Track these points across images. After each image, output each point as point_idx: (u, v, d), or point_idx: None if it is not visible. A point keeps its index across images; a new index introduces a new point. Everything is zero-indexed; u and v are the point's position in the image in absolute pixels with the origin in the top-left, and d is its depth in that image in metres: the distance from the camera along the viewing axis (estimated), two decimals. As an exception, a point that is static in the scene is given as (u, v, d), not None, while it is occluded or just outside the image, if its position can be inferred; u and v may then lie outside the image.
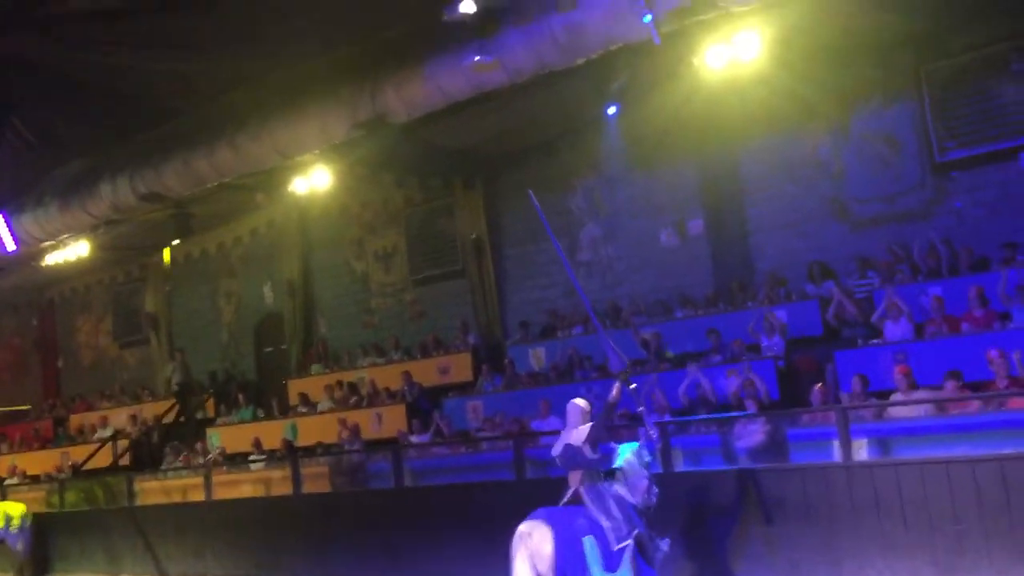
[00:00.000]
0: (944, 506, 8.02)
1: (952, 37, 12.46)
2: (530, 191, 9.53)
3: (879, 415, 9.67)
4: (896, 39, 12.39)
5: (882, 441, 9.19)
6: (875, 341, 11.27)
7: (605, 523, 7.09)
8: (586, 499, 7.24)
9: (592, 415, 7.74)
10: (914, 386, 9.78)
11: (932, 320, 10.99)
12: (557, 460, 7.62)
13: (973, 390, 9.54)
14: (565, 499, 7.38)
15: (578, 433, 7.47)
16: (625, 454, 7.60)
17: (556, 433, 11.78)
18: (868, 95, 13.36)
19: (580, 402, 7.75)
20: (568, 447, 7.50)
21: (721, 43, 11.05)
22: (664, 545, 7.30)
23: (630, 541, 7.16)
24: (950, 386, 9.39)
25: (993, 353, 9.36)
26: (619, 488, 7.45)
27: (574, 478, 7.43)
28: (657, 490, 7.65)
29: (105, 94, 14.32)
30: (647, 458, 7.66)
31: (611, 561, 7.02)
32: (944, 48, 12.68)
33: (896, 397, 9.83)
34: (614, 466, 7.54)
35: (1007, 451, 8.01)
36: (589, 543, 6.92)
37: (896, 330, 11.12)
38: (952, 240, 12.32)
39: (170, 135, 16.00)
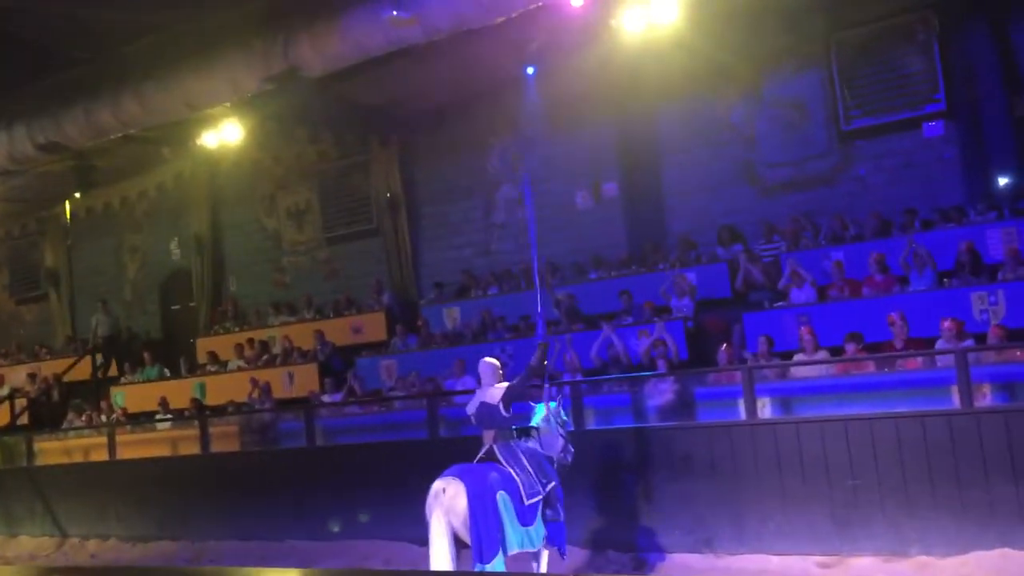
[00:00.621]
0: (842, 462, 8.37)
1: (862, 6, 12.75)
2: (526, 174, 9.50)
3: (782, 375, 9.98)
4: (808, 5, 12.62)
5: (785, 400, 9.50)
6: (780, 304, 11.60)
7: (518, 478, 7.20)
8: (500, 456, 7.33)
9: (505, 374, 7.82)
10: (817, 347, 10.12)
11: (834, 284, 11.36)
12: (472, 418, 7.68)
13: (873, 351, 9.91)
14: (479, 456, 7.46)
15: (493, 392, 7.54)
16: (541, 413, 7.71)
17: (470, 392, 11.90)
18: (780, 61, 13.62)
19: (493, 360, 7.82)
20: (483, 405, 7.57)
21: (639, 5, 11.09)
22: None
23: (542, 495, 7.29)
24: (850, 348, 9.74)
25: (894, 316, 9.73)
26: (533, 444, 7.57)
27: (488, 436, 7.52)
28: (573, 448, 7.80)
29: (-1, 38, 13.64)
30: (564, 416, 7.80)
31: (525, 515, 7.14)
32: (853, 17, 12.98)
33: (799, 358, 10.16)
34: (530, 425, 7.66)
35: (902, 410, 8.38)
36: (502, 498, 7.02)
37: (800, 294, 11.46)
38: (855, 206, 12.72)
39: (71, 83, 15.36)
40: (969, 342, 9.31)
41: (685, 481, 9.03)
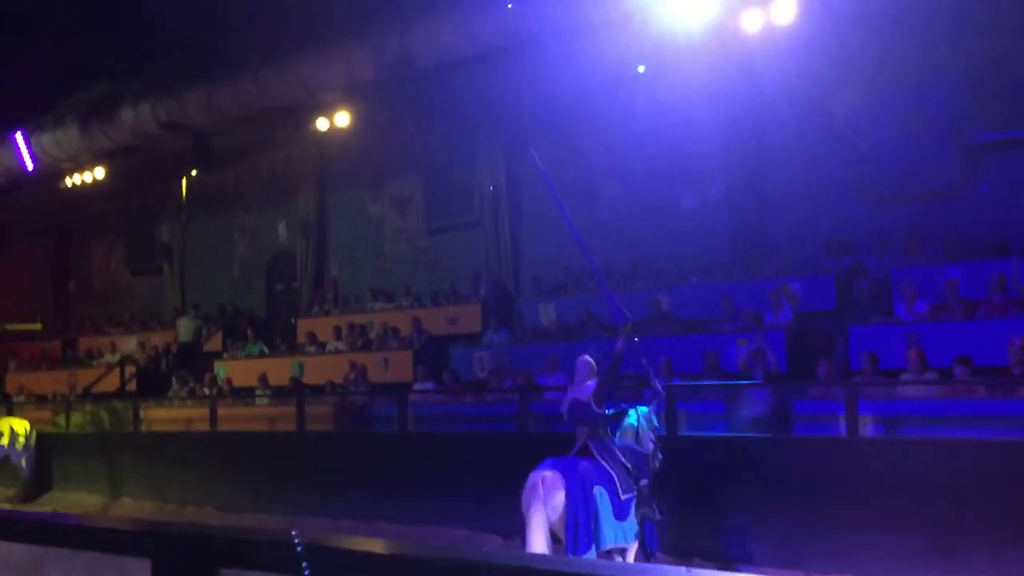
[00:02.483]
0: (946, 487, 8.03)
1: (992, 14, 12.19)
2: (534, 152, 9.47)
3: (888, 394, 9.65)
4: (935, 11, 12.13)
5: (888, 420, 9.18)
6: (888, 320, 11.21)
7: (614, 473, 7.17)
8: (594, 452, 7.30)
9: (599, 371, 7.77)
10: (926, 368, 9.74)
11: (947, 303, 10.91)
12: (565, 415, 7.66)
13: (984, 375, 9.49)
14: (574, 452, 7.44)
15: (585, 388, 7.51)
16: (636, 415, 7.65)
17: (563, 388, 11.89)
18: (902, 68, 13.11)
19: (588, 358, 7.78)
20: (575, 402, 7.54)
21: (758, 5, 10.89)
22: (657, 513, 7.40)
23: (636, 491, 7.25)
24: (959, 371, 9.35)
25: (1015, 341, 9.28)
26: (629, 440, 7.53)
27: (581, 433, 7.49)
28: (661, 455, 7.71)
29: (127, 19, 14.24)
30: (655, 421, 7.73)
31: (620, 510, 7.13)
32: (983, 25, 12.42)
33: (906, 377, 9.80)
34: (625, 424, 7.60)
35: (1013, 437, 8.00)
36: (599, 492, 7.01)
37: (910, 311, 11.05)
38: (975, 224, 12.19)
39: (194, 65, 15.93)
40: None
41: (778, 495, 8.80)
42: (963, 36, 12.58)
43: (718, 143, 14.45)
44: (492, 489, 10.45)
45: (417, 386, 13.68)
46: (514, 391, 11.87)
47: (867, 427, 9.07)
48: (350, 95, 15.45)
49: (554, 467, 7.12)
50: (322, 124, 15.75)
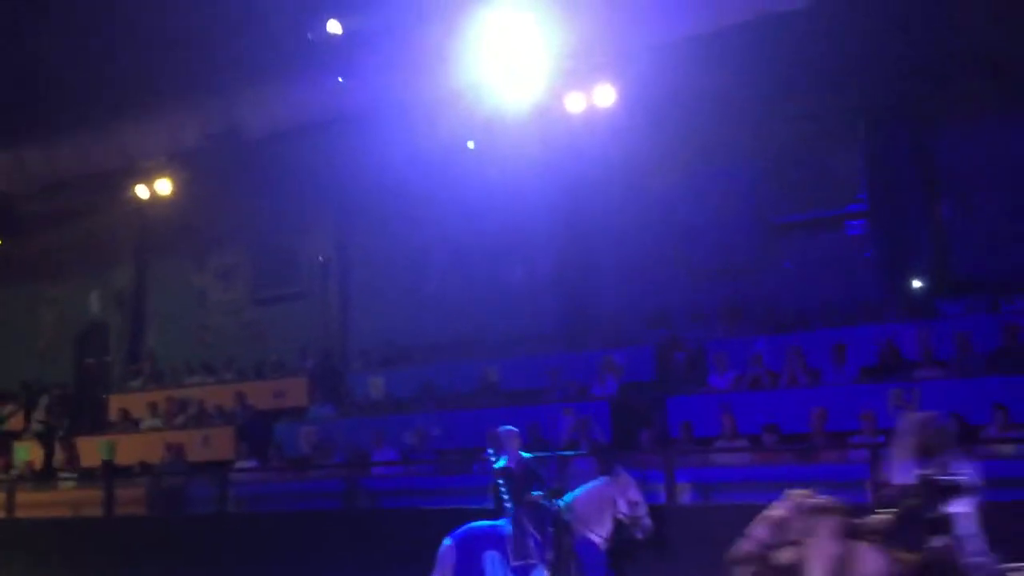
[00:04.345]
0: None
1: (794, 102, 13.24)
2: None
3: (704, 461, 10.07)
4: (744, 96, 13.07)
5: (703, 486, 9.56)
6: (702, 389, 11.74)
7: (508, 538, 7.26)
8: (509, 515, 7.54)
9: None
10: (736, 435, 10.25)
11: (755, 374, 11.54)
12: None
13: (791, 442, 10.07)
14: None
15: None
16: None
17: (392, 463, 11.74)
18: (713, 150, 13.98)
19: (511, 428, 8.13)
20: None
21: (582, 90, 11.46)
22: None
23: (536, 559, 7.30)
24: (767, 438, 9.90)
25: (814, 409, 9.91)
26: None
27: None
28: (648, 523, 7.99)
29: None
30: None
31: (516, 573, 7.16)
32: (785, 112, 13.46)
33: (719, 444, 10.27)
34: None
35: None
36: (489, 557, 7.03)
37: (721, 380, 11.62)
38: (779, 297, 13.05)
39: (2, 125, 15.08)
40: (883, 438, 9.52)
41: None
42: (769, 122, 13.61)
43: (545, 219, 14.91)
44: (318, 570, 10.14)
45: (239, 464, 13.15)
46: (341, 467, 11.61)
47: (685, 494, 9.41)
48: (173, 162, 15.00)
49: (453, 536, 7.20)
50: (142, 192, 15.15)
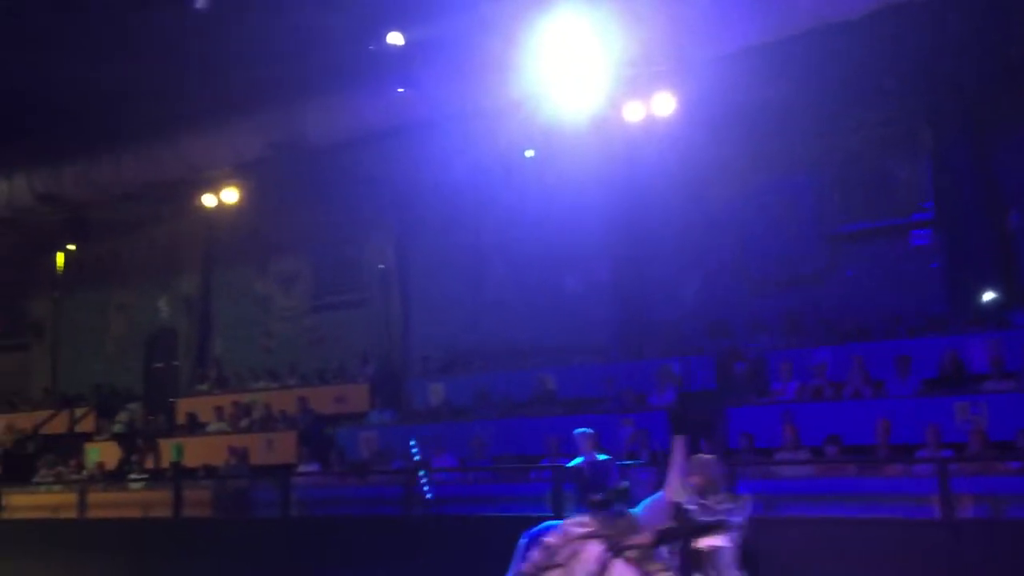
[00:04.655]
0: (818, 563, 8.30)
1: (855, 112, 13.08)
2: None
3: (764, 473, 9.97)
4: (803, 107, 12.94)
5: (765, 498, 9.46)
6: (764, 400, 11.63)
7: None
8: None
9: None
10: (798, 446, 10.13)
11: (817, 384, 11.40)
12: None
13: (853, 454, 9.93)
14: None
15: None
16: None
17: (450, 470, 11.82)
18: (772, 160, 13.86)
19: (588, 431, 8.16)
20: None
21: (640, 98, 11.47)
22: None
23: None
24: (830, 450, 9.76)
25: (878, 421, 9.75)
26: None
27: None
28: None
29: (2, 90, 13.86)
30: None
31: None
32: (846, 122, 13.30)
33: (781, 456, 10.16)
34: None
35: (881, 515, 8.37)
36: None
37: (785, 391, 11.50)
38: (843, 308, 12.87)
39: (74, 138, 15.56)
40: (948, 452, 9.34)
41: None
42: (828, 133, 13.47)
43: (603, 227, 14.92)
44: (377, 574, 10.27)
45: (301, 468, 13.37)
46: (400, 473, 11.73)
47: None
48: (238, 172, 15.32)
49: (527, 534, 7.28)
50: (209, 200, 15.52)
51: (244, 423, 15.63)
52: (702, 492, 5.64)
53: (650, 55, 11.52)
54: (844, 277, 13.43)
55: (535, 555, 6.19)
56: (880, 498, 8.94)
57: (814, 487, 9.45)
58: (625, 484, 7.93)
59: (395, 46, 12.33)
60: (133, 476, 14.63)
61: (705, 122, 12.69)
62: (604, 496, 7.68)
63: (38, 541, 13.53)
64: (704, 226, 14.35)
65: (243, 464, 13.95)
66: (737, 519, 5.60)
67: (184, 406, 17.01)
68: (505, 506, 10.75)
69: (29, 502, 14.83)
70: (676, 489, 5.71)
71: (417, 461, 8.95)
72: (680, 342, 13.68)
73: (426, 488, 9.47)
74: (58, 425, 18.16)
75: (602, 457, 8.12)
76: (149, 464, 15.17)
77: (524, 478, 11.57)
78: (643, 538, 5.70)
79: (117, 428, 16.50)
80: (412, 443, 9.54)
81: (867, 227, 13.32)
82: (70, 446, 17.23)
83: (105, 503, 13.81)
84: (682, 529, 5.56)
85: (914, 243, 12.99)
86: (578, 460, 8.17)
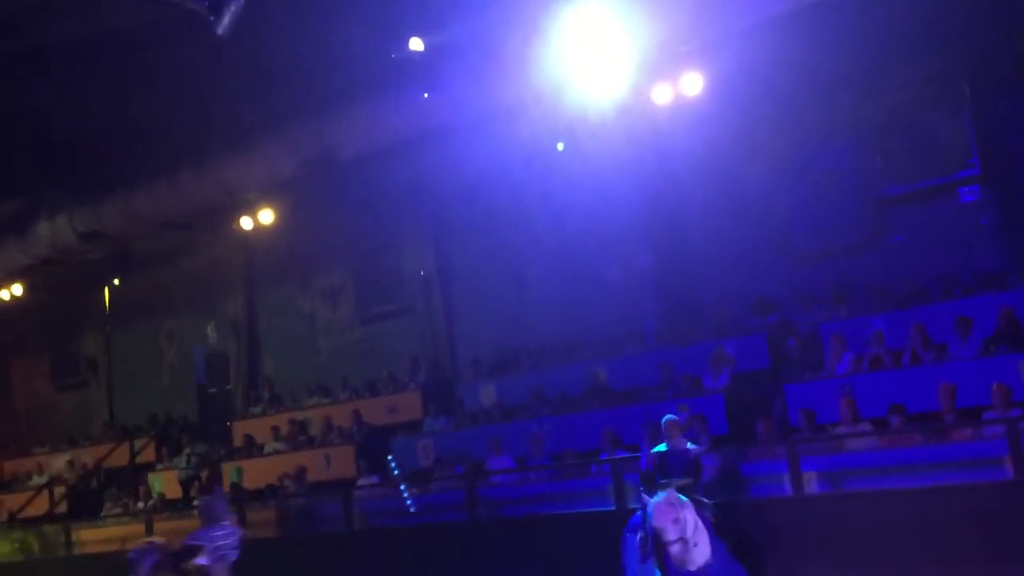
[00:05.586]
0: (892, 536, 8.10)
1: (889, 76, 12.77)
2: None
3: (829, 448, 9.76)
4: (836, 75, 12.67)
5: (831, 474, 9.28)
6: (820, 374, 11.39)
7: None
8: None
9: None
10: (857, 419, 9.89)
11: (875, 354, 11.14)
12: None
13: (918, 422, 9.68)
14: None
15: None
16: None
17: (508, 471, 11.76)
18: (809, 131, 13.60)
19: (674, 417, 8.62)
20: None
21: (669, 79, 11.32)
22: None
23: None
24: (894, 420, 9.53)
25: (942, 385, 9.50)
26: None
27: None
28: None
29: (36, 132, 14.06)
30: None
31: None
32: (882, 86, 13.00)
33: (842, 430, 9.94)
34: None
35: (952, 482, 8.15)
36: (630, 541, 7.29)
37: (841, 364, 11.26)
38: (892, 274, 12.58)
39: (109, 173, 15.75)
40: (1017, 411, 9.06)
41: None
42: (864, 96, 13.15)
43: (638, 214, 14.72)
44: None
45: (361, 481, 13.40)
46: (460, 478, 11.70)
47: (812, 483, 9.15)
48: (273, 192, 15.40)
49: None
50: (246, 223, 15.62)
51: (301, 440, 15.72)
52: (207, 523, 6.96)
53: (676, 35, 11.34)
54: (891, 242, 13.12)
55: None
56: (950, 465, 8.71)
57: (881, 459, 9.24)
58: (686, 480, 7.88)
59: (416, 52, 12.27)
60: (196, 503, 14.73)
61: (736, 98, 12.47)
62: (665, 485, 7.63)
63: (109, 573, 13.69)
64: (743, 203, 14.09)
65: (300, 481, 14.02)
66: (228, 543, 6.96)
67: (240, 429, 17.16)
68: (566, 504, 10.67)
69: (97, 536, 15.04)
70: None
71: (396, 476, 9.30)
72: (727, 323, 13.48)
73: (408, 502, 9.66)
74: (119, 458, 18.42)
75: (691, 446, 8.12)
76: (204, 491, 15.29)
77: (584, 473, 11.47)
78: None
79: (181, 476, 16.61)
80: (390, 458, 9.80)
81: (912, 189, 12.97)
82: (132, 477, 17.47)
83: (171, 531, 13.94)
84: (172, 559, 6.65)
85: (962, 200, 12.64)
86: (662, 447, 8.22)
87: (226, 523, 7.17)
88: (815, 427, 10.28)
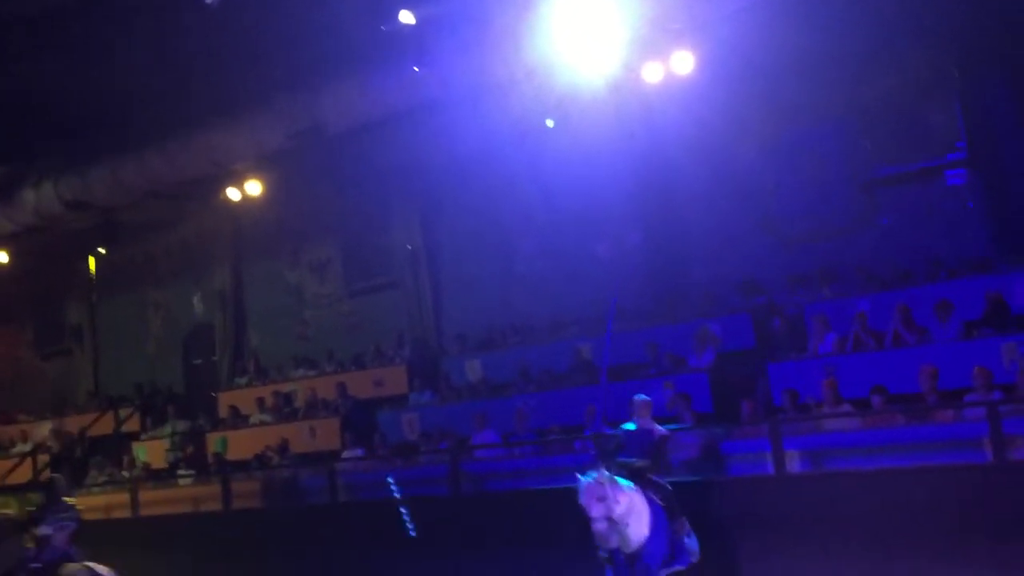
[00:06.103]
0: (872, 516, 8.21)
1: (879, 60, 12.78)
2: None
3: (811, 428, 9.85)
4: (826, 58, 12.66)
5: (813, 454, 9.37)
6: (805, 355, 11.47)
7: None
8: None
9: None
10: (839, 400, 9.98)
11: (858, 335, 11.22)
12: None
13: (900, 403, 9.78)
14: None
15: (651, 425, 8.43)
16: None
17: (492, 446, 11.82)
18: (798, 112, 13.61)
19: (645, 397, 8.56)
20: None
21: (659, 58, 11.26)
22: None
23: None
24: (876, 401, 9.62)
25: (924, 367, 9.59)
26: None
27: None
28: None
29: (21, 99, 13.94)
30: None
31: None
32: (871, 70, 13.02)
33: (825, 411, 10.03)
34: None
35: (932, 463, 8.25)
36: None
37: (824, 345, 11.34)
38: (879, 256, 12.64)
39: (96, 141, 15.61)
40: (998, 394, 9.16)
41: (714, 536, 8.87)
42: (850, 81, 13.15)
43: (628, 192, 14.74)
44: (429, 553, 10.32)
45: (346, 453, 13.45)
46: (445, 452, 11.76)
47: (794, 462, 9.24)
48: (261, 164, 15.30)
49: None
50: (233, 194, 15.53)
51: (286, 412, 15.74)
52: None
53: (667, 13, 11.31)
54: (879, 224, 13.18)
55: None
56: (930, 446, 8.81)
57: (863, 439, 9.34)
58: (644, 462, 7.93)
59: (407, 25, 12.20)
60: (181, 472, 14.79)
61: (726, 78, 12.46)
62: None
63: (94, 542, 13.68)
64: (731, 183, 14.12)
65: (285, 453, 14.06)
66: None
67: (226, 400, 17.17)
68: (550, 479, 10.73)
69: (82, 504, 14.97)
70: None
71: (398, 498, 9.39)
72: (715, 302, 13.54)
73: (409, 526, 9.75)
74: (104, 427, 18.41)
75: (659, 428, 8.16)
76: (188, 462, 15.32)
77: (568, 449, 11.55)
78: None
79: (169, 458, 16.58)
80: (390, 480, 9.87)
81: (899, 171, 13.01)
82: (117, 446, 17.47)
83: (156, 500, 14.00)
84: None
85: (949, 183, 12.70)
86: (630, 426, 8.25)
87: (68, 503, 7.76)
88: (798, 407, 10.37)
